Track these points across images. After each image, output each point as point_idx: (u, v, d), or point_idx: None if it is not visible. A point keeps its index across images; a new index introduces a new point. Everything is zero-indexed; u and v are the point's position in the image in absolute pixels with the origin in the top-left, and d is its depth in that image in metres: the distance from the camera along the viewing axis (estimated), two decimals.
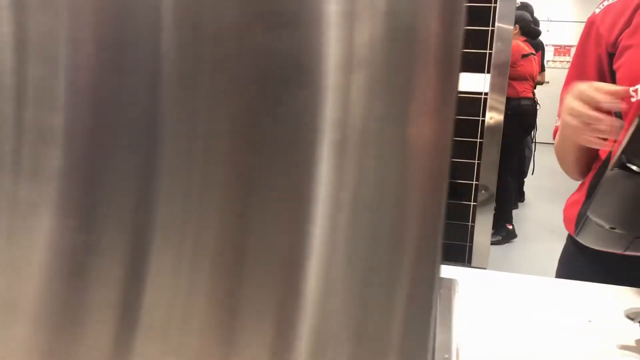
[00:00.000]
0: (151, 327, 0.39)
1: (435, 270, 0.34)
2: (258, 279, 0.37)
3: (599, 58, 1.00)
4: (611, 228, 0.63)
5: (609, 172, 0.58)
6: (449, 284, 0.81)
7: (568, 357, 0.73)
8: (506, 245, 3.99)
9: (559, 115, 1.10)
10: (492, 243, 3.57)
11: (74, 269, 0.39)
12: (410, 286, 0.35)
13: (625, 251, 0.66)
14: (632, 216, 0.63)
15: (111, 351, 0.40)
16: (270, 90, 0.35)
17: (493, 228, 3.42)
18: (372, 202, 0.35)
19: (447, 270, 0.96)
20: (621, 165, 0.56)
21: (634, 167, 0.56)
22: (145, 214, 0.38)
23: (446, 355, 0.63)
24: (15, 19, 0.37)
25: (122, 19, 0.36)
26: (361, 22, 0.33)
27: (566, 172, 1.05)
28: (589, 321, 0.81)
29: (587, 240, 0.69)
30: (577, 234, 0.68)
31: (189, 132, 0.36)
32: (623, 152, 0.55)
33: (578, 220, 0.67)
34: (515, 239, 4.06)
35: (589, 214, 0.64)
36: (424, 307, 0.35)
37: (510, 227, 4.07)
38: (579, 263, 1.07)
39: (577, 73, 1.04)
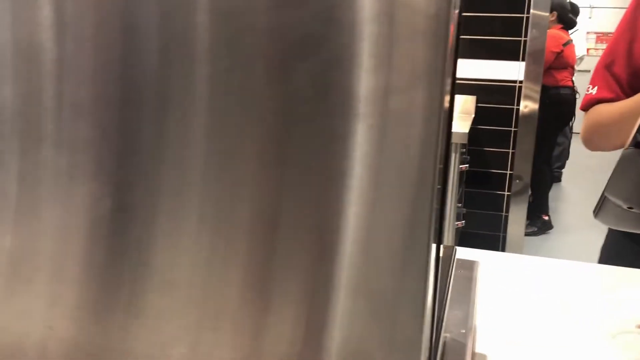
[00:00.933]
0: (188, 291, 0.42)
1: (427, 247, 0.37)
2: (291, 250, 0.39)
3: None
4: (629, 208, 0.63)
5: (624, 151, 0.58)
6: (470, 265, 0.82)
7: (587, 337, 0.74)
8: (542, 236, 3.93)
9: (591, 83, 1.06)
10: (528, 234, 3.53)
11: (112, 232, 0.42)
12: (404, 261, 0.37)
13: None
14: None
15: (146, 312, 0.43)
16: (304, 67, 0.37)
17: (528, 219, 3.37)
18: (384, 182, 0.37)
19: (473, 254, 0.97)
20: (637, 144, 0.56)
21: None
22: (179, 185, 0.40)
23: (462, 330, 0.65)
24: (53, 1, 0.40)
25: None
26: None
27: (610, 142, 0.98)
28: (610, 302, 0.82)
29: (606, 220, 0.70)
30: (596, 215, 0.69)
31: (223, 105, 0.39)
32: (638, 130, 0.55)
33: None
34: (551, 230, 4.00)
35: (606, 193, 0.64)
36: (417, 280, 0.37)
37: (546, 218, 4.00)
38: (623, 244, 1.05)
39: (625, 42, 0.99)
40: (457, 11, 0.37)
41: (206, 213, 0.40)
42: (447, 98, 0.36)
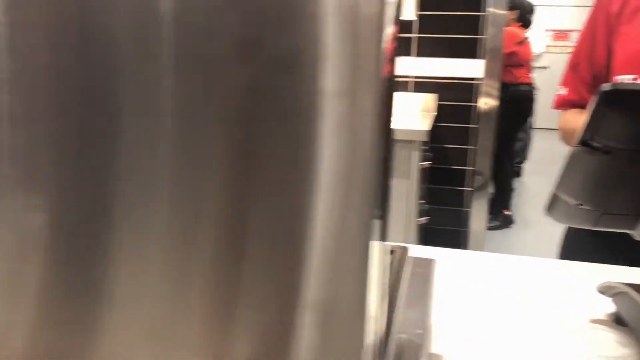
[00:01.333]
0: (146, 306, 0.40)
1: (365, 248, 0.36)
2: (259, 253, 0.38)
3: (608, 37, 1.00)
4: (578, 204, 0.65)
5: (572, 150, 0.59)
6: (427, 263, 0.83)
7: (541, 333, 0.75)
8: (504, 230, 4.01)
9: (561, 83, 1.11)
10: (490, 228, 3.59)
11: (67, 245, 0.41)
12: (344, 266, 0.37)
13: (594, 227, 0.68)
14: (596, 192, 0.64)
15: (101, 328, 0.41)
16: (266, 63, 0.36)
17: (490, 214, 3.44)
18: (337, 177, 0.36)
19: (429, 251, 0.98)
20: (583, 142, 0.58)
21: (595, 144, 0.57)
22: (139, 194, 0.39)
23: (419, 331, 0.65)
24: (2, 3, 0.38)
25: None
26: None
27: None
28: (570, 298, 0.83)
29: (557, 217, 0.71)
30: (547, 211, 0.70)
31: (183, 104, 0.37)
32: (585, 129, 0.57)
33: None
34: (513, 225, 4.08)
35: (556, 191, 0.65)
36: (356, 283, 0.37)
37: (508, 213, 4.08)
38: (583, 242, 1.08)
39: (587, 45, 1.05)
40: (396, 10, 0.37)
41: (167, 223, 0.39)
42: (386, 98, 0.36)
